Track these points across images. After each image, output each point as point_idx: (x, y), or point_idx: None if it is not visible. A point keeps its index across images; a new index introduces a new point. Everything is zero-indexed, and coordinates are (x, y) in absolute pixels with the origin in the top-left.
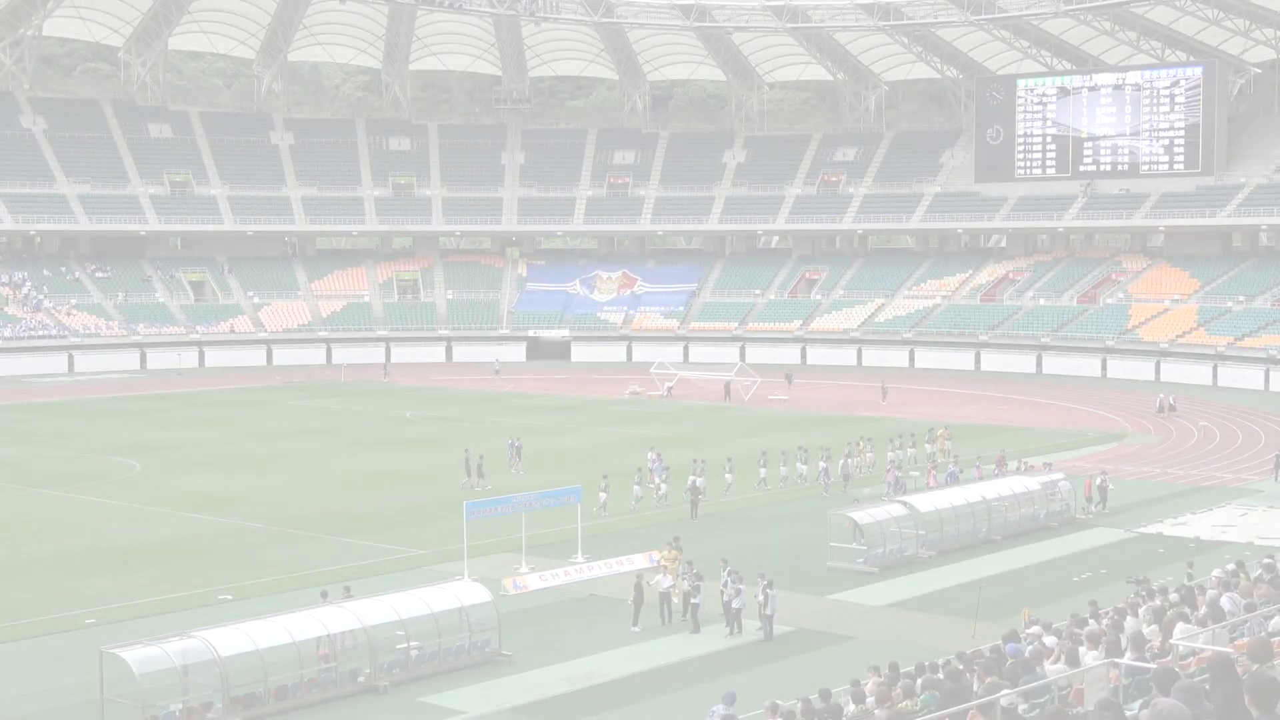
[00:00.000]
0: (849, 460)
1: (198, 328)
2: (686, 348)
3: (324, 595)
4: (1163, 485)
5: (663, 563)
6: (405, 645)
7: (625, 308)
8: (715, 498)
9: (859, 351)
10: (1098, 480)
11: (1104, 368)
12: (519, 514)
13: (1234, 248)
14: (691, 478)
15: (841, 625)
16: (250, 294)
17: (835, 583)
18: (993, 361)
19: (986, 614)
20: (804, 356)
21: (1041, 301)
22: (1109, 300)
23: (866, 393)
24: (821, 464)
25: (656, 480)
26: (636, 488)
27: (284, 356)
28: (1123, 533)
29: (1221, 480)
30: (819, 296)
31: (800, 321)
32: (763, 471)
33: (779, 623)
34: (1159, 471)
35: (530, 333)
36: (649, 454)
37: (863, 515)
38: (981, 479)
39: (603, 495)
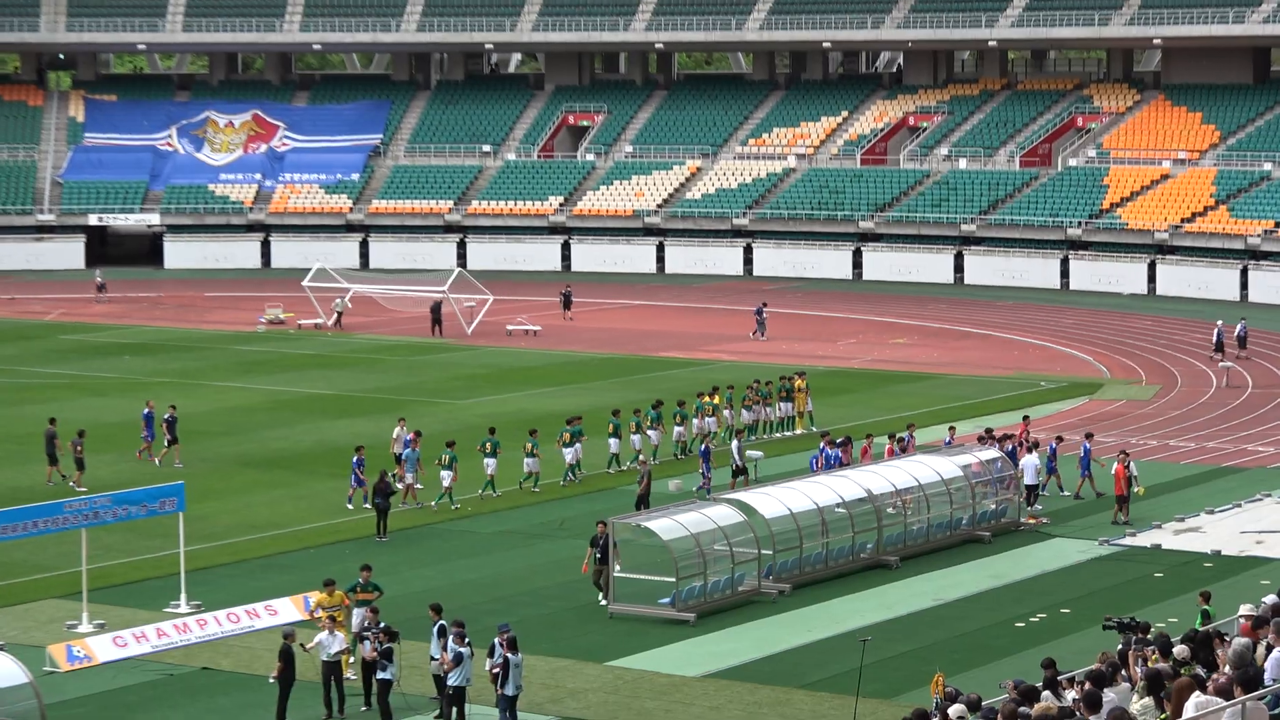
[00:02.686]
0: (706, 422)
1: None
2: (365, 244)
3: None
4: (1163, 467)
5: (324, 613)
6: None
7: (258, 175)
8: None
9: (659, 249)
10: (1129, 466)
11: (1064, 272)
12: (76, 532)
13: (1273, 74)
14: (386, 477)
15: (632, 710)
16: None
17: (623, 639)
18: (882, 264)
19: (875, 685)
20: (566, 258)
21: (962, 164)
22: (1072, 161)
23: (680, 318)
24: (676, 429)
25: (406, 474)
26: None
27: None
28: (1096, 545)
29: (1256, 457)
30: (591, 156)
31: (560, 199)
32: (613, 444)
33: (528, 708)
34: (1157, 445)
35: (92, 219)
36: (396, 428)
37: (664, 525)
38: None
39: (529, 461)
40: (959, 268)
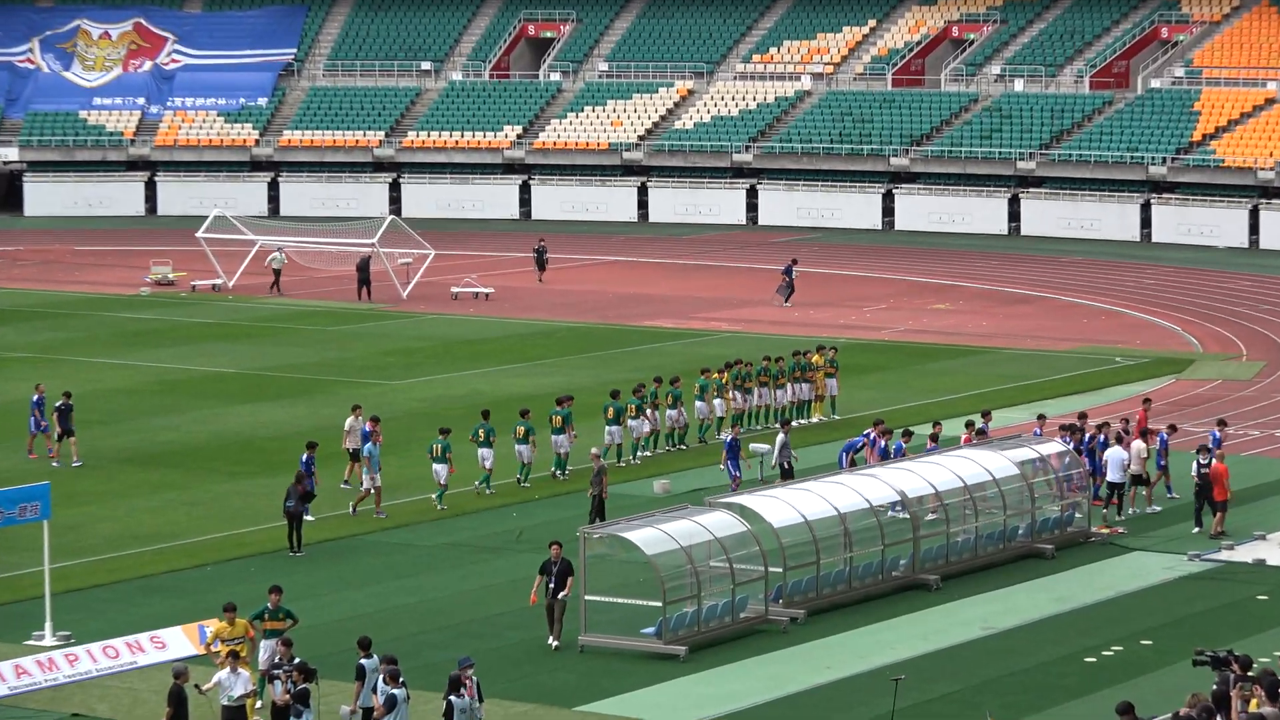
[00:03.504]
0: (714, 405)
1: None
2: (275, 186)
3: None
4: (1267, 464)
5: (224, 647)
6: None
7: (142, 100)
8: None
9: (641, 192)
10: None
11: (1145, 220)
12: None
13: None
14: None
15: None
16: None
17: (598, 679)
18: (919, 210)
19: None
20: (526, 203)
21: (1018, 86)
22: (1155, 83)
23: (668, 278)
24: (672, 412)
25: (368, 472)
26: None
27: None
28: (1184, 561)
29: None
30: (557, 76)
31: (518, 130)
32: (613, 432)
33: None
34: (1260, 435)
35: None
36: (350, 418)
37: (647, 536)
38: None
39: (521, 449)
40: (1014, 215)
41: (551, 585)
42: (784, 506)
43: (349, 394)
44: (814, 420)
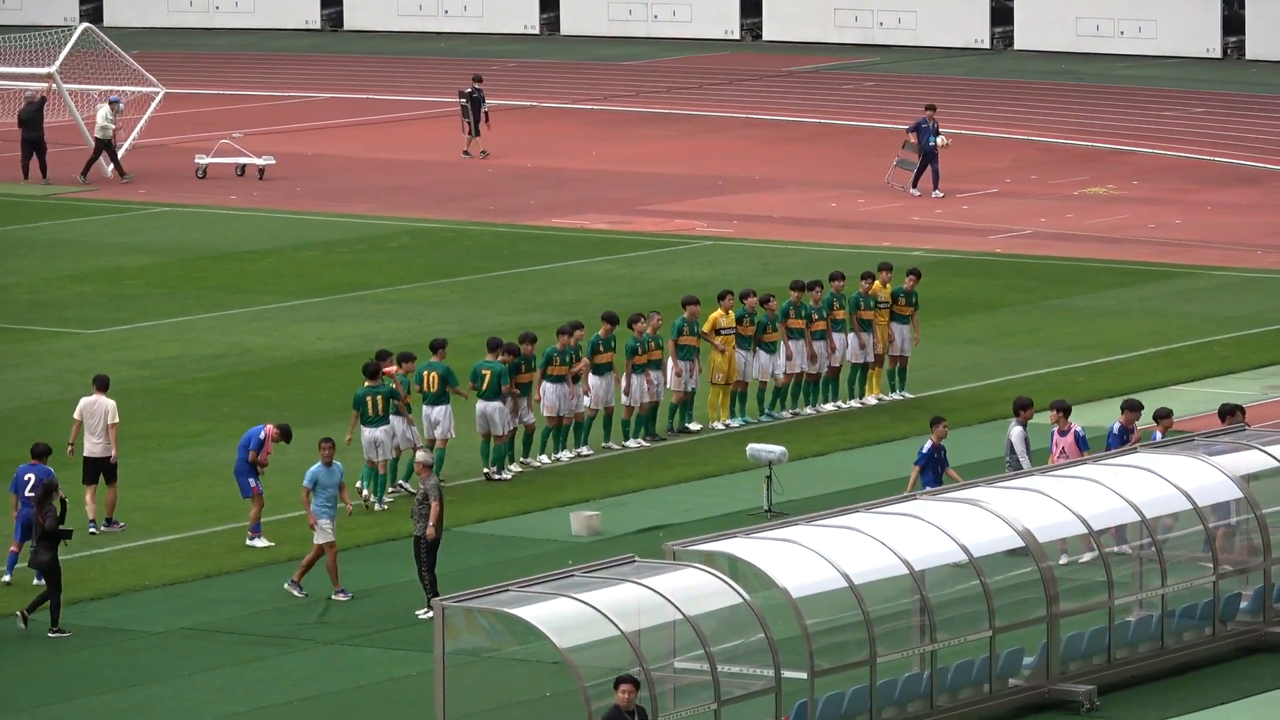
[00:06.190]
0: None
1: None
2: None
3: None
4: None
5: None
6: None
7: None
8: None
9: None
10: None
11: None
12: None
13: None
14: None
15: None
16: None
17: None
18: (1056, 12)
19: None
20: (335, 1)
21: None
22: None
23: (595, 138)
24: (634, 381)
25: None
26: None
27: None
28: None
29: None
30: None
31: None
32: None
33: None
34: None
35: None
36: (90, 398)
37: (562, 614)
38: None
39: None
40: (1234, 23)
41: None
42: (809, 558)
43: (8, 350)
44: (870, 401)
